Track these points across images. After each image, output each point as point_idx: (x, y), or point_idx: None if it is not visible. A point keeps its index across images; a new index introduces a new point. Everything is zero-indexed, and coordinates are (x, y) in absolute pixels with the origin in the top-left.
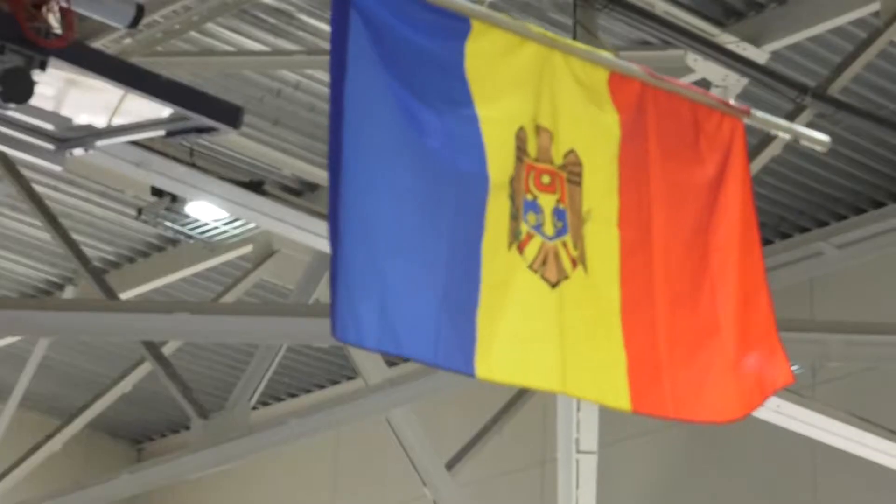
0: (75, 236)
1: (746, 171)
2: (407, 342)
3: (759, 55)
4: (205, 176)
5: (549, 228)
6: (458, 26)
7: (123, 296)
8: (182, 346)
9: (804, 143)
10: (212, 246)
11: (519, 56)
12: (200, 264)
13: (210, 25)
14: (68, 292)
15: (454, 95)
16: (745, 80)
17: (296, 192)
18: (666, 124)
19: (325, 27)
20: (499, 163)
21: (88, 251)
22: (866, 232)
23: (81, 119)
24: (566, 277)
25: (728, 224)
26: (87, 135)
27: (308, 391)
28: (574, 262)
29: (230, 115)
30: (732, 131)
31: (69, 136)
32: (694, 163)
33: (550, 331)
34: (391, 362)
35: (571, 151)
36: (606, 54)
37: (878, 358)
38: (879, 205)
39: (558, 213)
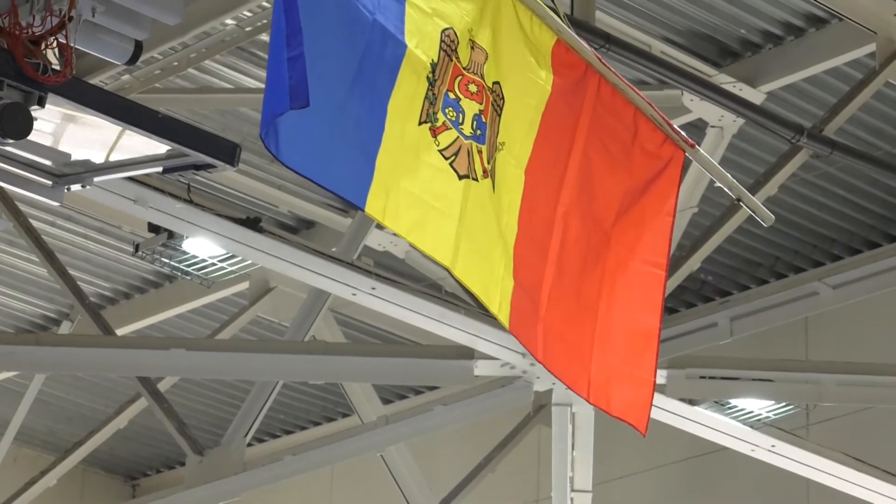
0: (72, 272)
1: (674, 199)
2: (301, 160)
3: (755, 95)
4: (202, 213)
5: (466, 129)
6: None
7: (120, 332)
8: (178, 383)
9: (746, 206)
10: (208, 282)
11: None
12: (197, 301)
13: (208, 63)
14: (65, 328)
15: None
16: (741, 121)
17: (292, 230)
18: (603, 115)
19: None
20: (418, 42)
21: (85, 287)
22: (861, 272)
23: (79, 155)
24: (475, 178)
25: (636, 236)
26: (85, 171)
27: (303, 428)
28: (486, 173)
29: (227, 152)
30: (671, 158)
31: (67, 172)
32: (620, 163)
33: (450, 212)
34: (386, 400)
35: (497, 83)
36: (558, 20)
37: (872, 399)
38: (874, 245)
39: (478, 121)
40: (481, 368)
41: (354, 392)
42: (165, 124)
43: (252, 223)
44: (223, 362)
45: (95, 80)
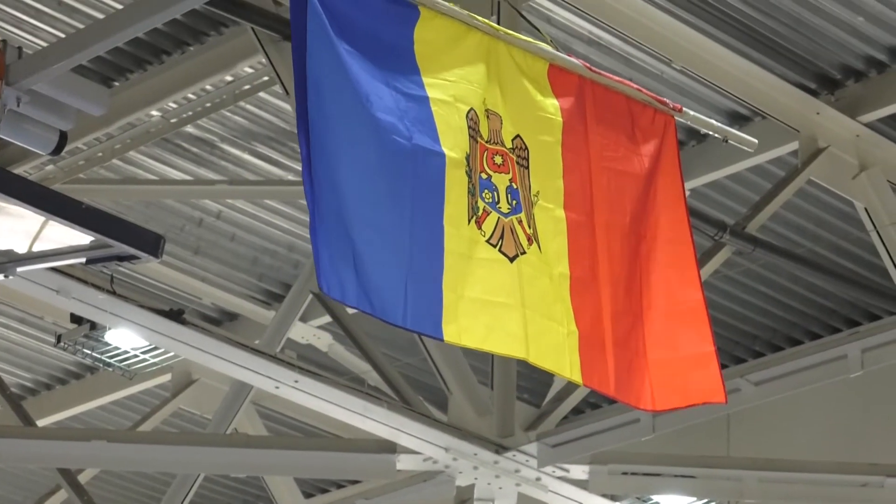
0: None
1: (677, 166)
2: (379, 305)
3: None
4: (125, 304)
5: (504, 206)
6: (407, 13)
7: (41, 423)
8: (98, 475)
9: (733, 142)
10: (130, 374)
11: (466, 43)
12: (119, 392)
13: (132, 154)
14: None
15: (405, 77)
16: None
17: (216, 322)
18: (604, 115)
19: (248, 157)
20: (452, 140)
21: (6, 377)
22: (783, 369)
23: (2, 245)
24: (523, 252)
25: (656, 218)
26: (8, 261)
27: None
28: (530, 239)
29: (151, 243)
30: (665, 127)
31: None
32: (630, 154)
33: (513, 301)
34: (308, 494)
35: (518, 136)
36: (546, 46)
37: (793, 496)
38: (796, 342)
39: (512, 192)
40: (403, 463)
41: (276, 485)
42: (89, 215)
43: (175, 315)
44: (144, 454)
45: (19, 170)
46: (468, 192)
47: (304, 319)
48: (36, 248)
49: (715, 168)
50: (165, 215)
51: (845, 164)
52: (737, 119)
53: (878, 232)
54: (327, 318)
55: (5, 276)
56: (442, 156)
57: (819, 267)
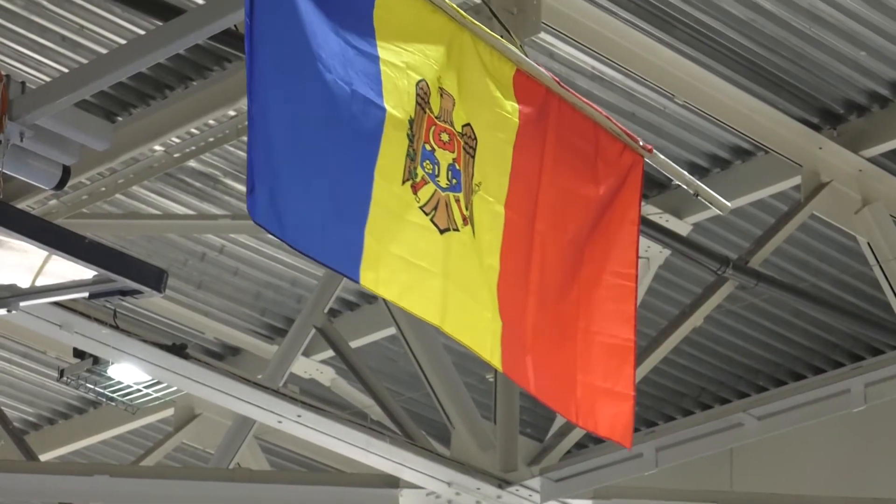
0: None
1: (637, 206)
2: (292, 232)
3: (682, 227)
4: (127, 338)
5: (443, 180)
6: None
7: (43, 457)
8: None
9: (703, 199)
10: (133, 409)
11: (429, 22)
12: (121, 427)
13: (135, 189)
14: None
15: (358, 36)
16: (667, 252)
17: (218, 356)
18: (566, 134)
19: None
20: (396, 100)
21: (9, 412)
22: (786, 403)
23: (5, 279)
24: (456, 229)
25: (605, 249)
26: (11, 295)
27: None
28: (465, 220)
29: (154, 278)
30: (632, 165)
31: None
32: (587, 178)
33: (436, 270)
34: None
35: (468, 125)
36: (515, 50)
37: None
38: (799, 377)
39: (453, 171)
40: (406, 498)
41: None
42: (92, 250)
43: (178, 349)
44: (147, 489)
45: (22, 205)
46: (407, 155)
47: (306, 354)
48: (39, 283)
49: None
50: (168, 250)
51: (848, 199)
52: (740, 153)
53: (880, 266)
54: (330, 353)
55: (8, 311)
56: (382, 110)
57: (822, 301)
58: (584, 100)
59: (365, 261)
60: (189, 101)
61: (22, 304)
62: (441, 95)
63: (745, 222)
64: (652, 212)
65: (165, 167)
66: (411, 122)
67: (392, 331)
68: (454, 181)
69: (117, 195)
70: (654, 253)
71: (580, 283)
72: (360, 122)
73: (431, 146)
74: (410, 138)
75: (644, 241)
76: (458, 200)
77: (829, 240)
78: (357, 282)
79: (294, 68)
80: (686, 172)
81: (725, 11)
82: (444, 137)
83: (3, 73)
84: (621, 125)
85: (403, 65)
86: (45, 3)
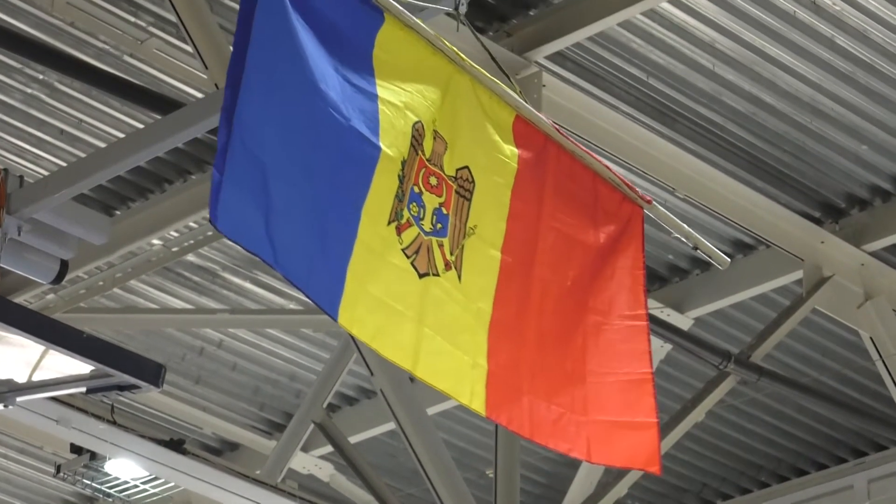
0: None
1: (640, 253)
2: (282, 259)
3: (683, 321)
4: (125, 434)
5: (427, 224)
6: (373, 15)
7: None
8: None
9: (702, 253)
10: None
11: (428, 63)
12: None
13: (133, 283)
14: None
15: (357, 73)
16: (668, 346)
17: (216, 452)
18: (565, 182)
19: (249, 286)
20: (392, 140)
21: None
22: (789, 500)
23: (2, 374)
24: (436, 274)
25: (610, 294)
26: (7, 390)
27: None
28: (448, 266)
29: (152, 373)
30: (631, 215)
31: None
32: (586, 225)
33: (410, 314)
34: None
35: (465, 168)
36: (515, 96)
37: None
38: (802, 473)
39: (439, 215)
40: None
41: None
42: (90, 344)
43: (176, 445)
44: None
45: (20, 299)
46: (396, 195)
47: (305, 449)
48: (36, 378)
49: (719, 297)
50: (166, 344)
51: (850, 294)
52: (741, 248)
53: (883, 361)
54: (329, 448)
55: (5, 406)
56: (377, 149)
57: (824, 396)
58: (584, 149)
59: (344, 299)
60: (187, 194)
61: (19, 398)
62: (434, 138)
63: (746, 317)
64: (653, 306)
65: (163, 261)
66: (403, 162)
67: (391, 426)
68: (439, 226)
69: (115, 289)
70: (655, 347)
71: (585, 329)
72: (354, 158)
73: (420, 189)
74: (401, 179)
75: None
76: (441, 245)
77: (832, 334)
78: (335, 319)
79: (292, 97)
80: (685, 225)
81: (727, 105)
82: (433, 181)
83: (2, 166)
84: (620, 175)
85: (402, 104)
86: (43, 97)
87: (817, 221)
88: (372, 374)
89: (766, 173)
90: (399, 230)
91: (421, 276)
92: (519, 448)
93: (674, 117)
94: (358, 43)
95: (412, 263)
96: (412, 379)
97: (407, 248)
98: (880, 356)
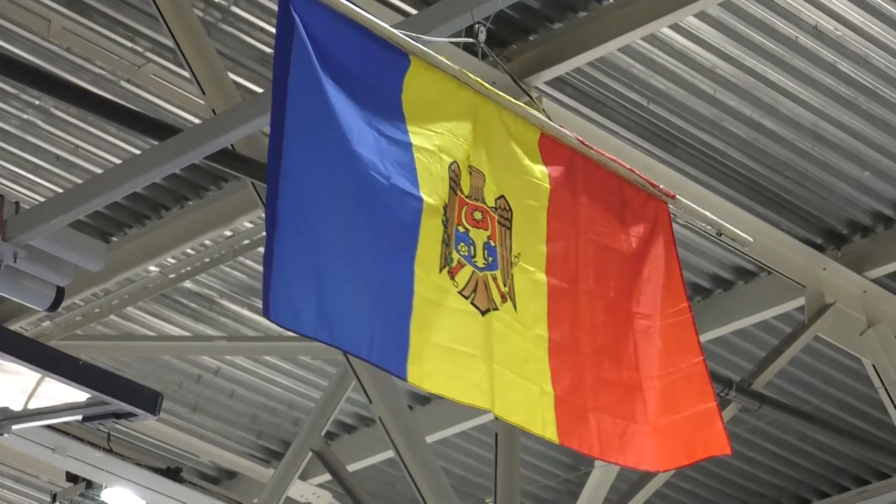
0: None
1: (672, 249)
2: (341, 336)
3: None
4: (121, 462)
5: (479, 260)
6: (398, 60)
7: None
8: None
9: (726, 239)
10: None
11: (455, 99)
12: None
13: (130, 310)
14: None
15: (389, 123)
16: None
17: (214, 480)
18: (594, 192)
19: (247, 313)
20: (431, 188)
21: None
22: None
23: None
24: (496, 308)
25: (651, 295)
26: (3, 418)
27: None
28: (504, 297)
29: (149, 400)
30: (657, 212)
31: None
32: (618, 231)
33: (480, 353)
34: None
35: (502, 197)
36: (538, 115)
37: None
38: (804, 501)
39: (489, 248)
40: None
41: None
42: (86, 372)
43: (173, 473)
44: None
45: (15, 326)
46: (442, 241)
47: (303, 477)
48: (32, 406)
49: (720, 324)
50: (163, 372)
51: (852, 320)
52: (742, 274)
53: (886, 389)
54: (327, 476)
55: (0, 434)
56: (419, 200)
57: (827, 424)
58: (608, 155)
59: (411, 357)
60: (185, 221)
61: (14, 427)
62: (470, 173)
63: (748, 344)
64: None
65: (160, 288)
66: (445, 207)
67: (390, 454)
68: (490, 259)
69: (112, 316)
70: None
71: (634, 336)
72: (399, 215)
73: (465, 227)
74: (445, 224)
75: None
76: (495, 278)
77: (834, 362)
78: (404, 379)
79: (332, 169)
80: (708, 213)
81: (728, 131)
82: (477, 216)
83: None
84: (642, 174)
85: (435, 148)
86: (40, 123)
87: (819, 248)
88: (371, 401)
89: (767, 199)
90: (451, 274)
91: (483, 313)
92: (519, 476)
93: (674, 143)
94: (387, 91)
95: (472, 303)
96: (411, 406)
97: (463, 289)
98: (883, 384)
